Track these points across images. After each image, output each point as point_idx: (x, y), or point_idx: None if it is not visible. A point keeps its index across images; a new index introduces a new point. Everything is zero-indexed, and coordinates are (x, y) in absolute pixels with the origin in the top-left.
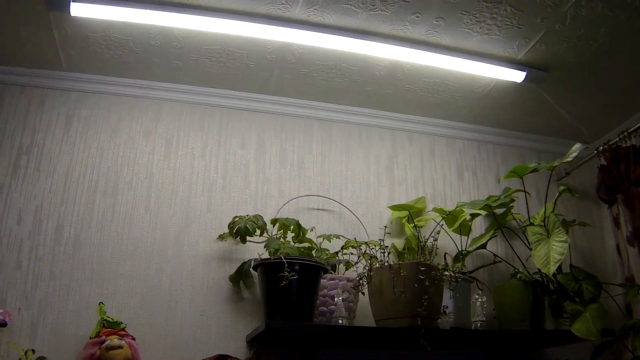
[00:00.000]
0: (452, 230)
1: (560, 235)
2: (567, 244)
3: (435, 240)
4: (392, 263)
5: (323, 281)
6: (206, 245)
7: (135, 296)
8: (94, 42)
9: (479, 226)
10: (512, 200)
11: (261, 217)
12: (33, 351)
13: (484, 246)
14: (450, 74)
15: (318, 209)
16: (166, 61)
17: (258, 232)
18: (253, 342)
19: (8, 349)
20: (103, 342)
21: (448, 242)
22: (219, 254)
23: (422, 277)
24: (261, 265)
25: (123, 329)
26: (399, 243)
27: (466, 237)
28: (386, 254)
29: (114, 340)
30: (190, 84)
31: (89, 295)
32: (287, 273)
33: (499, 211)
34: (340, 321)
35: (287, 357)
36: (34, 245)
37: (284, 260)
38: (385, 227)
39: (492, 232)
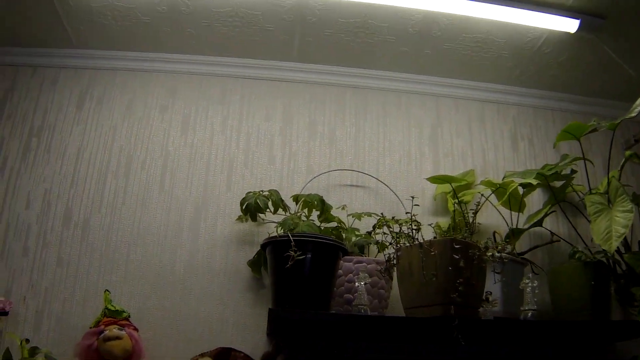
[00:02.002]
0: (502, 205)
1: (624, 204)
2: (632, 214)
3: (475, 213)
4: (422, 241)
5: (348, 264)
6: (224, 228)
7: (145, 284)
8: (98, 13)
9: (536, 203)
10: (574, 172)
11: (277, 192)
12: (27, 341)
13: (539, 223)
14: (493, 26)
15: (351, 186)
16: (177, 29)
17: (271, 208)
18: (273, 335)
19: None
20: (102, 332)
21: (499, 221)
22: (238, 237)
23: (457, 257)
24: (269, 244)
25: (125, 319)
26: (444, 222)
27: (520, 213)
28: (414, 230)
29: (113, 330)
30: (207, 54)
31: (97, 282)
32: (293, 252)
33: (558, 184)
34: (362, 310)
35: (312, 352)
36: (41, 230)
37: (291, 238)
38: (412, 197)
39: (549, 207)
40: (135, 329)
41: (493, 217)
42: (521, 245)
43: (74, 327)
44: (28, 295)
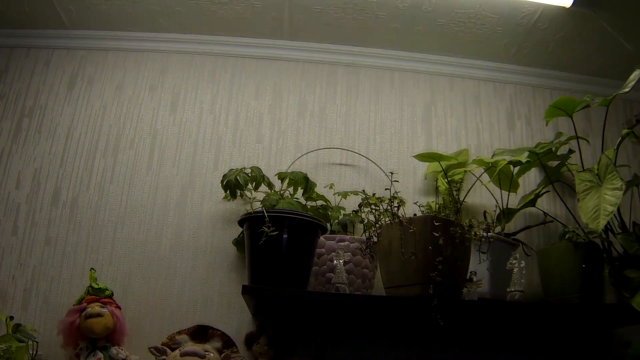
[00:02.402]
0: (494, 184)
1: (613, 182)
2: (621, 192)
3: (457, 191)
4: (402, 218)
5: (331, 243)
6: (211, 206)
7: (131, 262)
8: None
9: (532, 183)
10: (572, 152)
11: (258, 169)
12: (11, 318)
13: (532, 203)
14: (484, 0)
15: (340, 164)
16: (167, 8)
17: (252, 185)
18: (257, 314)
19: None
20: (84, 309)
21: (493, 201)
22: (224, 216)
23: (437, 235)
24: (246, 220)
25: (108, 297)
26: (440, 203)
27: (514, 194)
28: (395, 208)
29: (95, 308)
30: (197, 32)
31: (84, 261)
32: (266, 228)
33: (555, 164)
34: (340, 289)
35: (295, 333)
36: (30, 209)
37: (265, 214)
38: (392, 172)
39: (542, 187)
40: (118, 307)
41: (486, 198)
42: (516, 226)
43: (61, 305)
44: (16, 274)
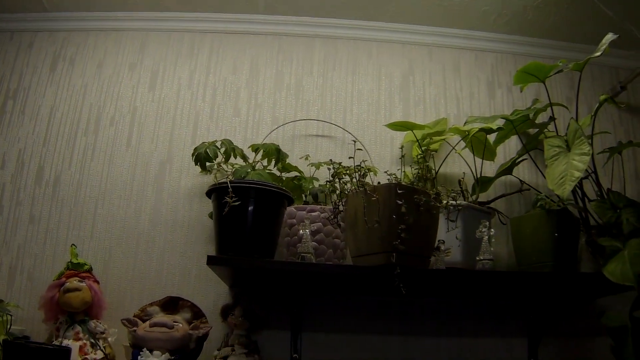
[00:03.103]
0: (469, 151)
1: (581, 147)
2: (588, 157)
3: (426, 158)
4: (366, 186)
5: (301, 213)
6: (189, 180)
7: (111, 237)
8: None
9: (512, 152)
10: (552, 119)
11: (229, 141)
12: None
13: (508, 171)
14: None
15: (317, 136)
16: None
17: (221, 157)
18: (235, 286)
19: None
20: (63, 284)
21: (469, 170)
22: (202, 190)
23: (400, 203)
24: (213, 191)
25: (87, 271)
26: (410, 172)
27: (492, 162)
28: (361, 176)
29: (73, 282)
30: (175, 10)
31: (66, 238)
32: (229, 199)
33: (534, 131)
34: (305, 258)
35: (271, 302)
36: (15, 188)
37: (229, 184)
38: (355, 141)
39: (519, 154)
40: (96, 281)
41: (465, 167)
42: (496, 194)
43: (45, 282)
44: (2, 252)
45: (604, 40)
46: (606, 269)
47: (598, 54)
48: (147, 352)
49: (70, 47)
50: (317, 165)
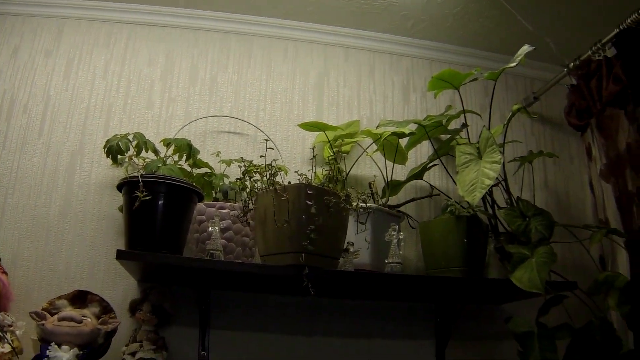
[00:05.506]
0: (381, 154)
1: (493, 155)
2: (499, 165)
3: (336, 160)
4: (277, 186)
5: (211, 210)
6: (100, 172)
7: (20, 228)
8: None
9: (424, 157)
10: (465, 126)
11: (141, 134)
12: None
13: (419, 176)
14: None
15: (229, 132)
16: None
17: (133, 151)
18: (144, 281)
19: None
20: None
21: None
22: (113, 182)
23: (310, 204)
24: (124, 185)
25: None
26: (321, 172)
27: (403, 166)
28: (272, 175)
29: None
30: None
31: None
32: (140, 193)
33: (445, 137)
34: (214, 255)
35: (180, 299)
36: None
37: (140, 179)
38: (266, 140)
39: (430, 160)
40: (5, 272)
41: (376, 170)
42: (406, 198)
43: None
44: None
45: (520, 52)
46: (514, 276)
47: (513, 64)
48: (56, 346)
49: None
50: (228, 162)
